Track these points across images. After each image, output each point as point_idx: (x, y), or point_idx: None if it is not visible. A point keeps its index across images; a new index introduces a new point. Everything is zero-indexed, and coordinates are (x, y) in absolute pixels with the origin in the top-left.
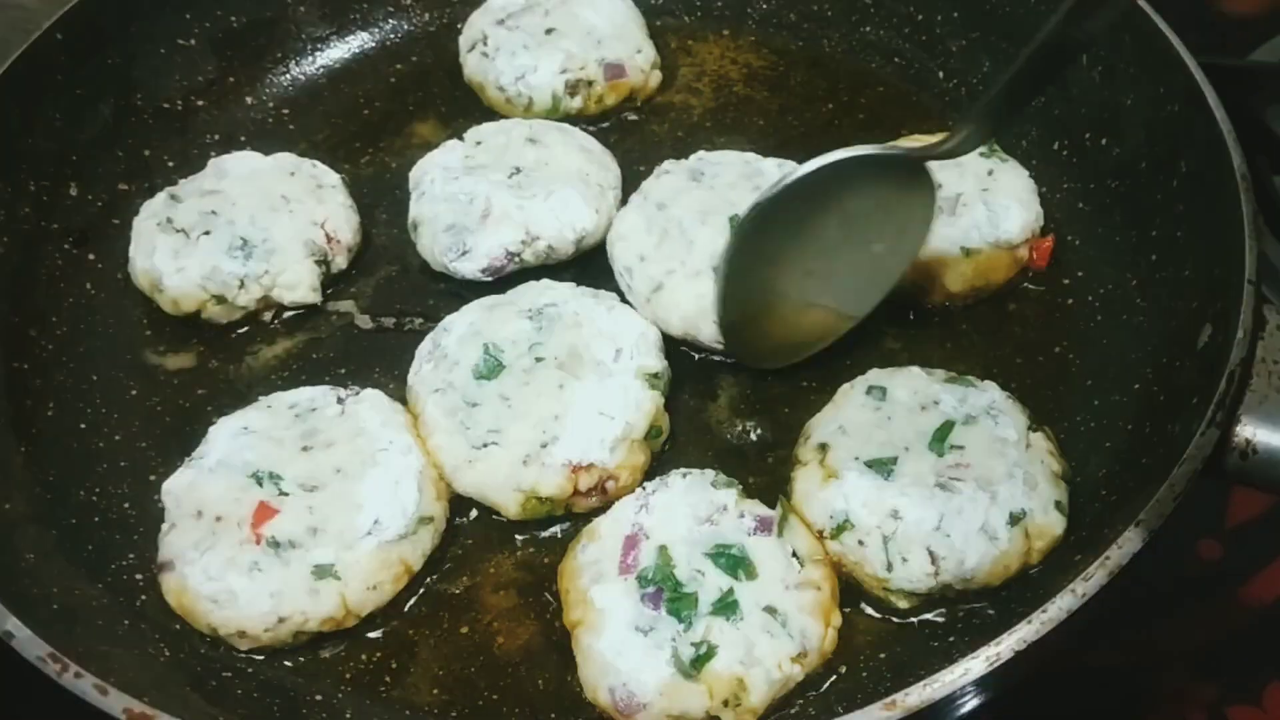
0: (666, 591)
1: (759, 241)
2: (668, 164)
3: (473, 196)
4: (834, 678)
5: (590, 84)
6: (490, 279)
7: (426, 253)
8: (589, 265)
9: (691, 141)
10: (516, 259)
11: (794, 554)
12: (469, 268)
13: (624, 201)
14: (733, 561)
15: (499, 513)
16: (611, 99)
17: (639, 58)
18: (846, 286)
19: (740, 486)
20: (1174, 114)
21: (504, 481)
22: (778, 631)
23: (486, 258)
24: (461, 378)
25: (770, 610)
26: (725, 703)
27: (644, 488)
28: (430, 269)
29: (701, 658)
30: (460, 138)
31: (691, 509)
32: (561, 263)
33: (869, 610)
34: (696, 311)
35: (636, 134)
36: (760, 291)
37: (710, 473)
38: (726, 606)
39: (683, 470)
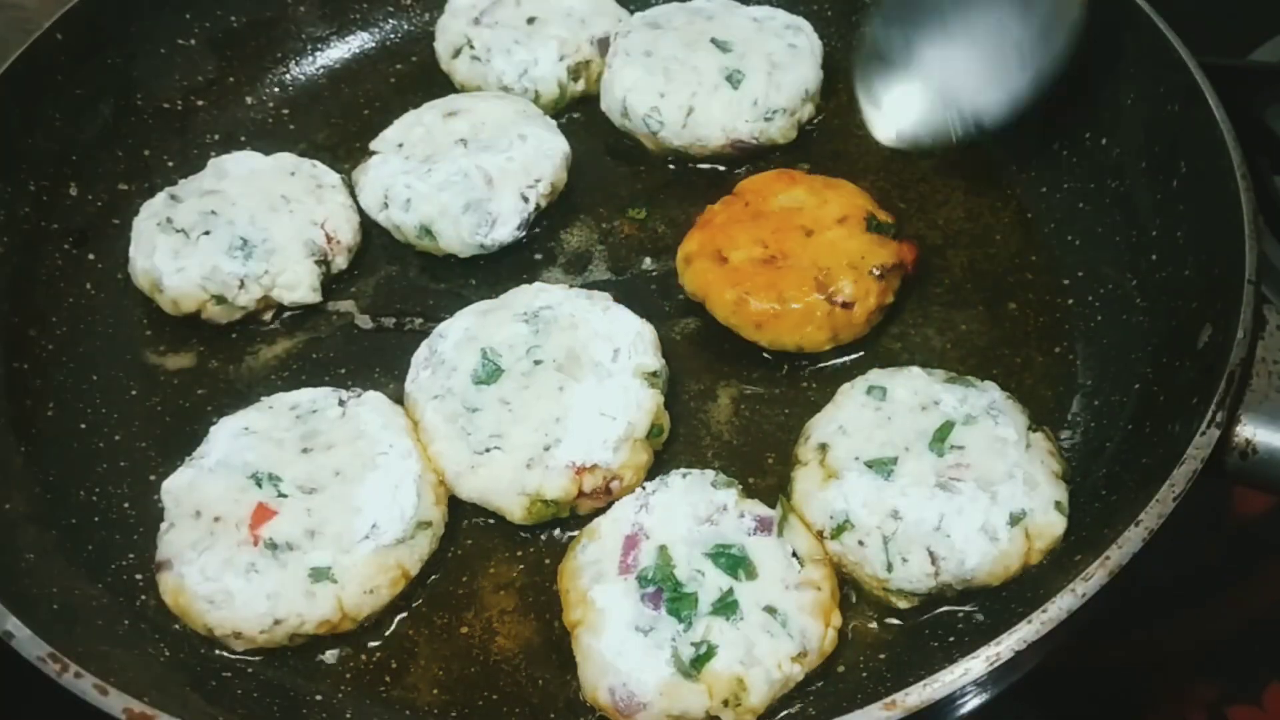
0: (666, 591)
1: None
2: (626, 23)
3: (464, 172)
4: (834, 678)
5: (588, 64)
6: (524, 234)
7: (453, 243)
8: (585, 266)
9: None
10: (535, 205)
11: (794, 554)
12: (504, 232)
13: None
14: (733, 561)
15: (503, 517)
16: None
17: (621, 27)
18: (975, 74)
19: (740, 486)
20: (1174, 114)
21: (508, 486)
22: (778, 631)
23: (516, 215)
24: (460, 383)
25: (770, 610)
26: (725, 702)
27: (644, 487)
28: (430, 269)
29: (701, 657)
30: (365, 152)
31: (691, 509)
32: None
33: (869, 610)
34: (733, 115)
35: None
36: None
37: (710, 473)
38: (726, 606)
39: (682, 470)
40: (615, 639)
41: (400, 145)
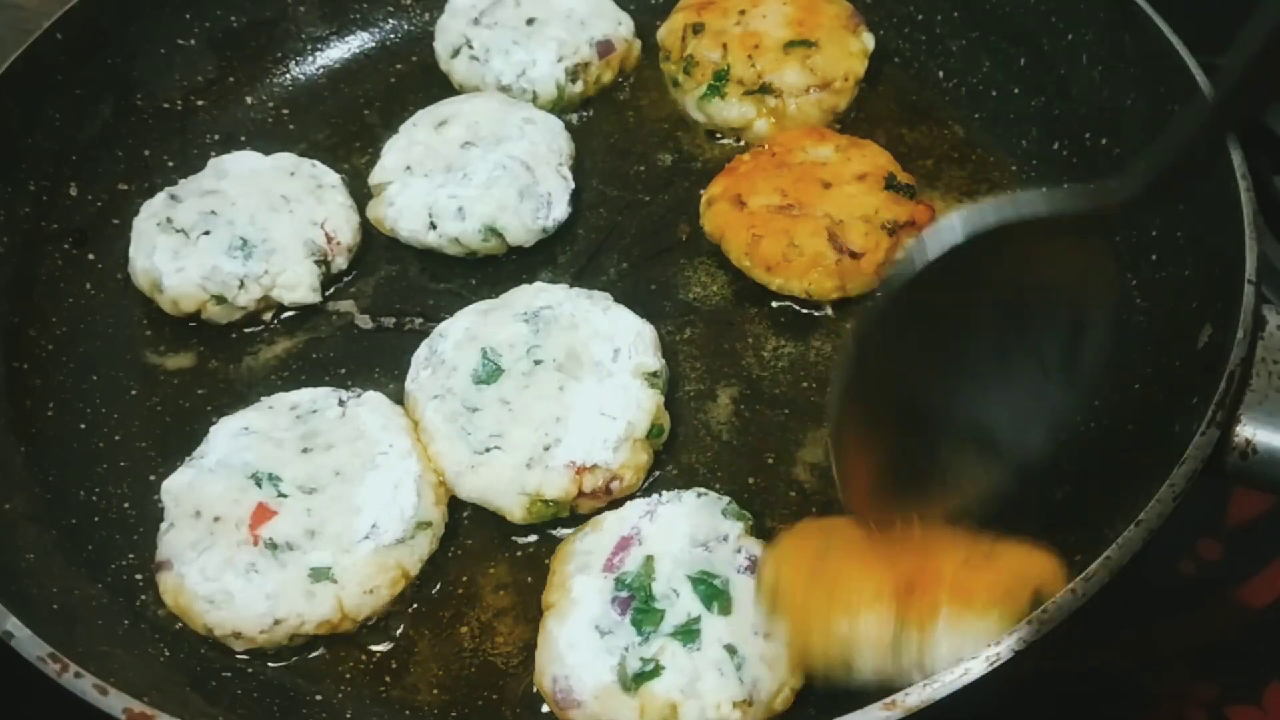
0: (637, 601)
1: (888, 345)
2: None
3: (501, 165)
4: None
5: (587, 66)
6: (572, 209)
7: (519, 235)
8: (583, 270)
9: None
10: (571, 179)
11: None
12: (560, 210)
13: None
14: (711, 591)
15: (504, 517)
16: (608, 77)
17: (621, 29)
18: (1006, 413)
19: (750, 521)
20: (1174, 114)
21: (508, 486)
22: (729, 672)
23: (565, 191)
24: (460, 383)
25: (730, 650)
26: None
27: (659, 495)
28: (431, 269)
29: (645, 674)
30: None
31: (692, 529)
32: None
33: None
34: None
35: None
36: (885, 416)
37: (725, 499)
38: (688, 633)
39: (699, 490)
40: (574, 631)
41: (408, 168)
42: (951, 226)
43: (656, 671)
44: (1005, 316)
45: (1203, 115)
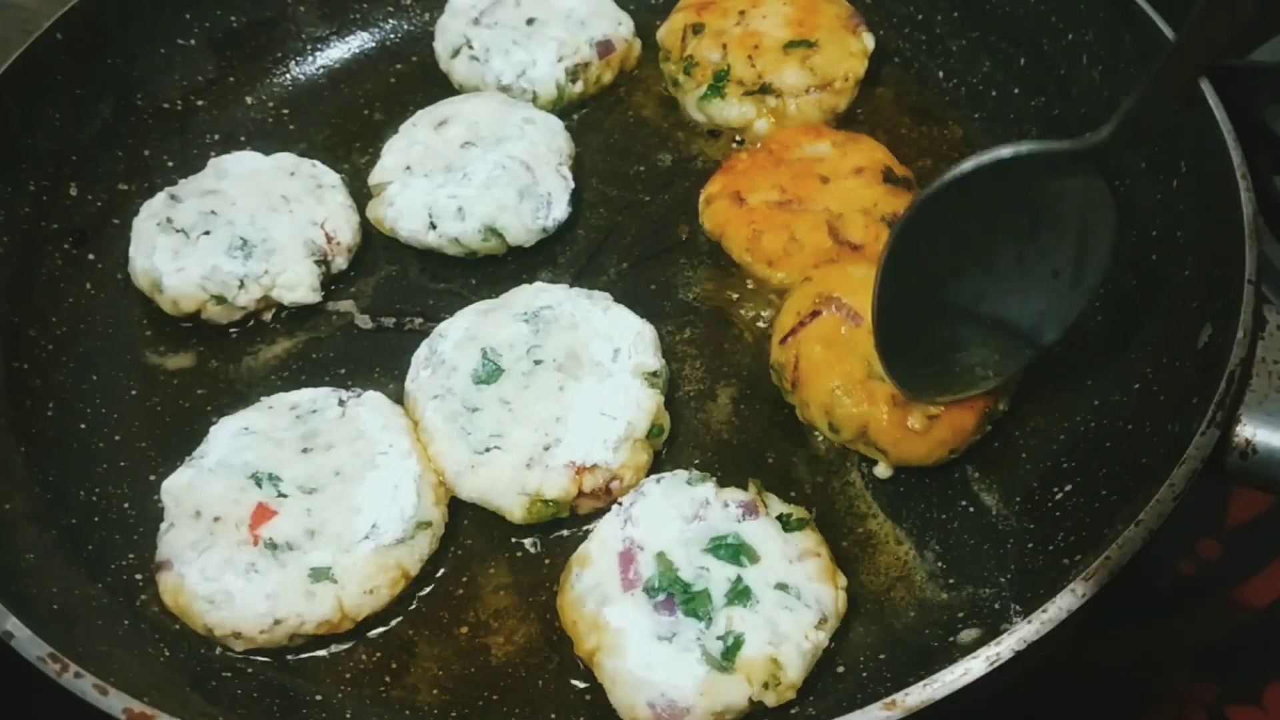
0: (677, 595)
1: (919, 246)
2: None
3: (501, 165)
4: (834, 678)
5: (587, 66)
6: (572, 209)
7: (519, 234)
8: (583, 270)
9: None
10: (571, 179)
11: (782, 522)
12: (560, 210)
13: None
14: (732, 550)
15: (504, 517)
16: (608, 77)
17: (621, 29)
18: (1023, 307)
19: (715, 479)
20: (1174, 114)
21: (508, 486)
22: (795, 605)
23: (565, 191)
24: (460, 383)
25: (782, 586)
26: (765, 685)
27: (620, 503)
28: (430, 269)
29: (731, 648)
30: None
31: (676, 510)
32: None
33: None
34: None
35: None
36: (922, 303)
37: (683, 472)
38: (740, 594)
39: (655, 476)
40: (641, 654)
41: (408, 168)
42: (963, 162)
43: (739, 641)
44: (1021, 232)
45: (1163, 56)
